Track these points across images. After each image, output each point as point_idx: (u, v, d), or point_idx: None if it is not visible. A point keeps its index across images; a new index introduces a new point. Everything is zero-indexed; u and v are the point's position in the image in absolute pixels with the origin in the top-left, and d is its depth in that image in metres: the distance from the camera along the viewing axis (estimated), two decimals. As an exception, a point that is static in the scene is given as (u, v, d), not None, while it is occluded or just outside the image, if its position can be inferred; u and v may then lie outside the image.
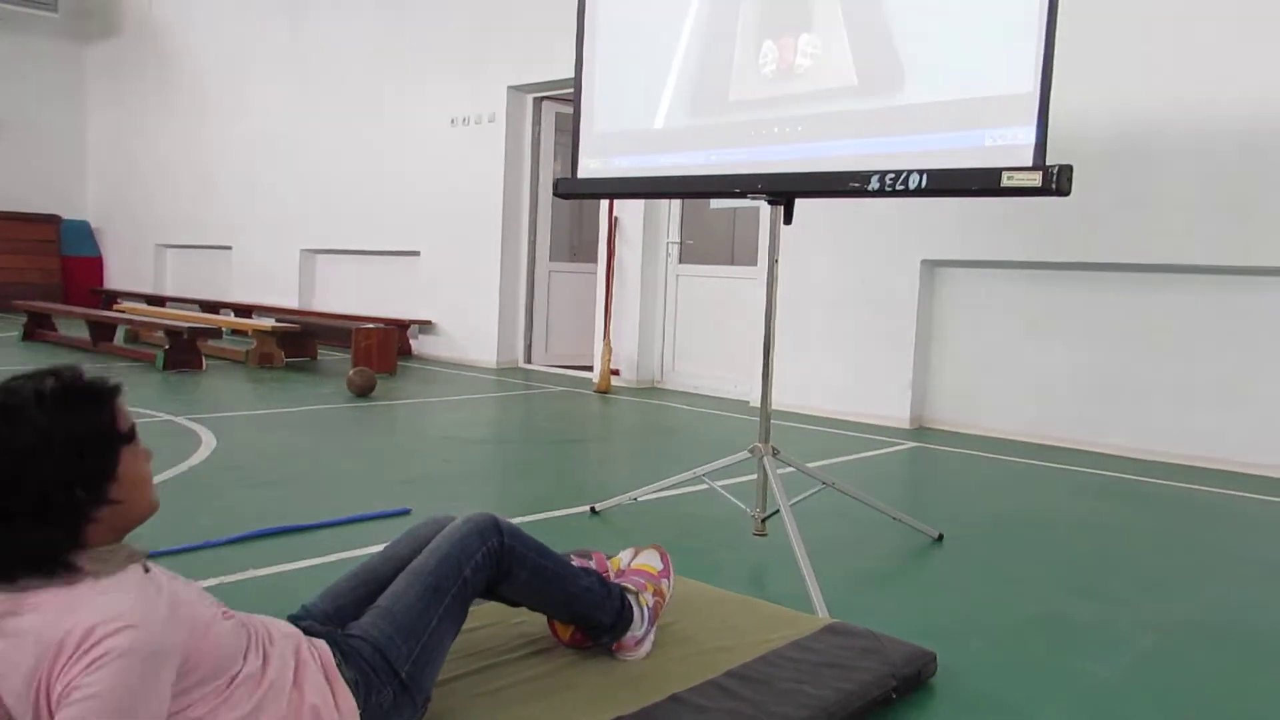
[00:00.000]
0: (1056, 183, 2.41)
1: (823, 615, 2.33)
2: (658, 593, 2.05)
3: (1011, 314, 5.55)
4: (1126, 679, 2.14)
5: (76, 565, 1.24)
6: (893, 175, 2.65)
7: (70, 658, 1.17)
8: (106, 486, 1.27)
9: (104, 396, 1.30)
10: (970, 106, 2.61)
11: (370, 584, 1.74)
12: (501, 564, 1.74)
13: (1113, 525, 3.61)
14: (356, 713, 1.47)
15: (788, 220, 3.02)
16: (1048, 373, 5.40)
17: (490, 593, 1.80)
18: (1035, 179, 2.43)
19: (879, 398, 5.93)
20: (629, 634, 1.94)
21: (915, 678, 1.97)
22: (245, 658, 1.36)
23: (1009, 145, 2.52)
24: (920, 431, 5.72)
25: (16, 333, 9.06)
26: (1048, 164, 2.44)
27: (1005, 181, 2.47)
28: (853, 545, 3.15)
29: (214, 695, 1.31)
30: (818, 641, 2.07)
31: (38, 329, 8.66)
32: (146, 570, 1.33)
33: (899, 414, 5.85)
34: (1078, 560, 3.10)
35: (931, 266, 5.82)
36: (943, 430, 5.75)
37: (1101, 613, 2.58)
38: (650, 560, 2.15)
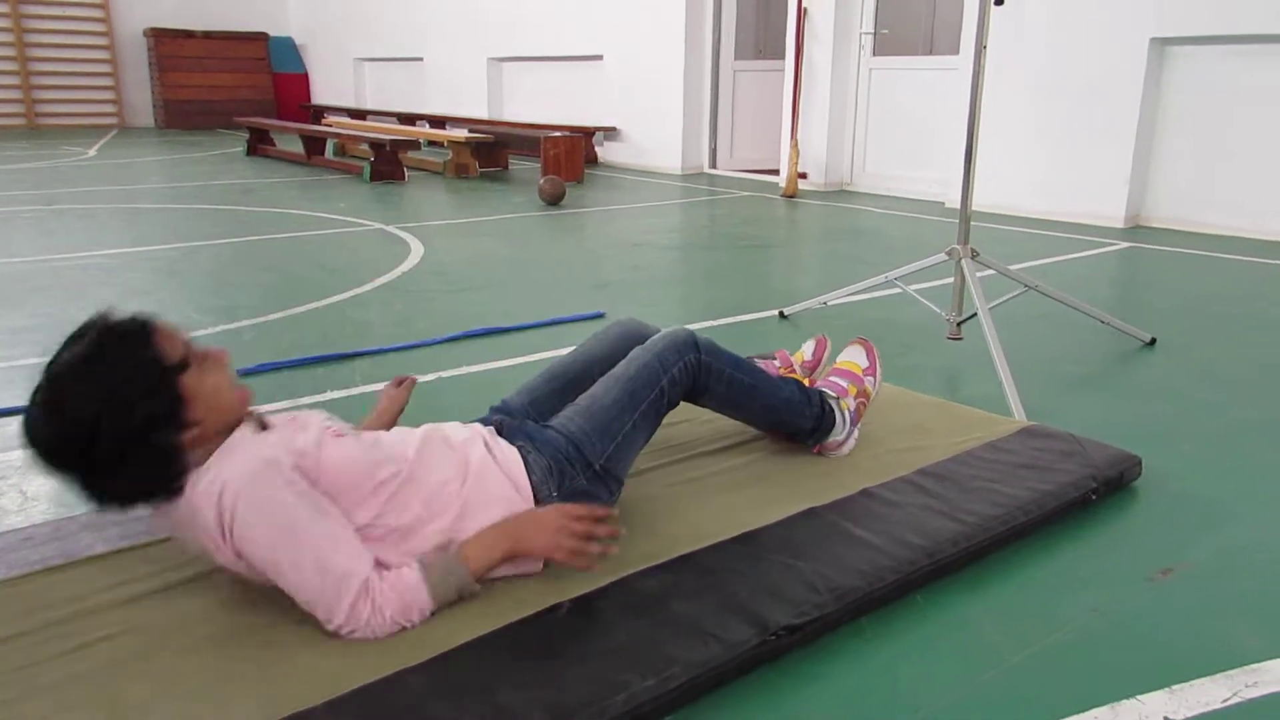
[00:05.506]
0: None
1: (1020, 419, 2.29)
2: (861, 394, 2.04)
3: (1256, 98, 4.94)
4: (1356, 491, 2.02)
5: (186, 475, 1.32)
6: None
7: (219, 531, 1.31)
8: (180, 417, 1.30)
9: (138, 342, 1.29)
10: None
11: (563, 379, 1.84)
12: (698, 380, 1.78)
13: (1357, 331, 3.30)
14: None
15: (999, -1, 2.76)
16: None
17: (689, 401, 1.86)
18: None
19: (1091, 195, 5.51)
20: (830, 438, 1.98)
21: (1117, 480, 1.93)
22: (382, 467, 1.42)
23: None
24: (1136, 230, 5.30)
25: (240, 148, 9.75)
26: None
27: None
28: (1055, 350, 3.04)
29: (368, 500, 1.40)
30: (1014, 443, 2.05)
31: (258, 144, 9.26)
32: (264, 427, 1.40)
33: (1113, 212, 5.43)
34: (1311, 368, 2.87)
35: (1161, 45, 5.21)
36: (1163, 229, 5.31)
37: (1334, 423, 2.40)
38: (855, 357, 2.12)
